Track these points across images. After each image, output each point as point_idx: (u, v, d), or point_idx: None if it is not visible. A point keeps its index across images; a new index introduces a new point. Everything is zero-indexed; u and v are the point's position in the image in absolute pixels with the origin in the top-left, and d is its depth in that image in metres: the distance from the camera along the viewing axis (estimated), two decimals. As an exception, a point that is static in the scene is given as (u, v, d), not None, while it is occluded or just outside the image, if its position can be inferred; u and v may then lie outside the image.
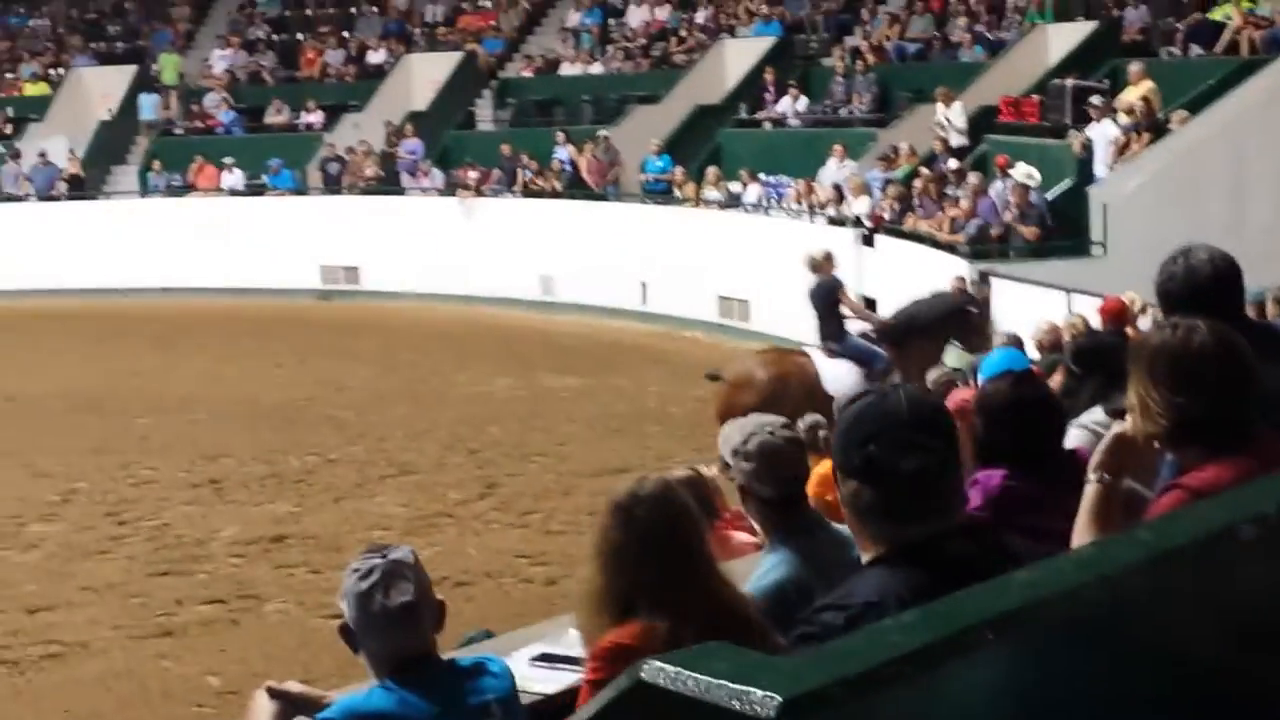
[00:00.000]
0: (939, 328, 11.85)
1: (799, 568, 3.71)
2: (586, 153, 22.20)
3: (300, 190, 24.16)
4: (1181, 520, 2.33)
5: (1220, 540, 2.03)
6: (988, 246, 16.00)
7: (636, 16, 25.59)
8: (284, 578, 10.21)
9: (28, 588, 10.08)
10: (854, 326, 12.27)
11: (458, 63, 25.70)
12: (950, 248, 16.12)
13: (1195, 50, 18.32)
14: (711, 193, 20.60)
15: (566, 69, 25.14)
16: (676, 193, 21.07)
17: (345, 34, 27.38)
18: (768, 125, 22.01)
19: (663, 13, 25.33)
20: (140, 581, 10.14)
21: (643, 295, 20.32)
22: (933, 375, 9.41)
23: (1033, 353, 9.55)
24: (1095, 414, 4.67)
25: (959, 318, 12.08)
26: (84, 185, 24.89)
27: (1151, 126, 16.47)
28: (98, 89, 26.67)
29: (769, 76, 22.16)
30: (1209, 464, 2.98)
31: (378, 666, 3.25)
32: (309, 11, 28.49)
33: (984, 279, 14.64)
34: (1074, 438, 4.39)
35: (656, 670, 1.67)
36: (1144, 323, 9.54)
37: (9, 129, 25.95)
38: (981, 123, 19.01)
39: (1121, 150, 16.42)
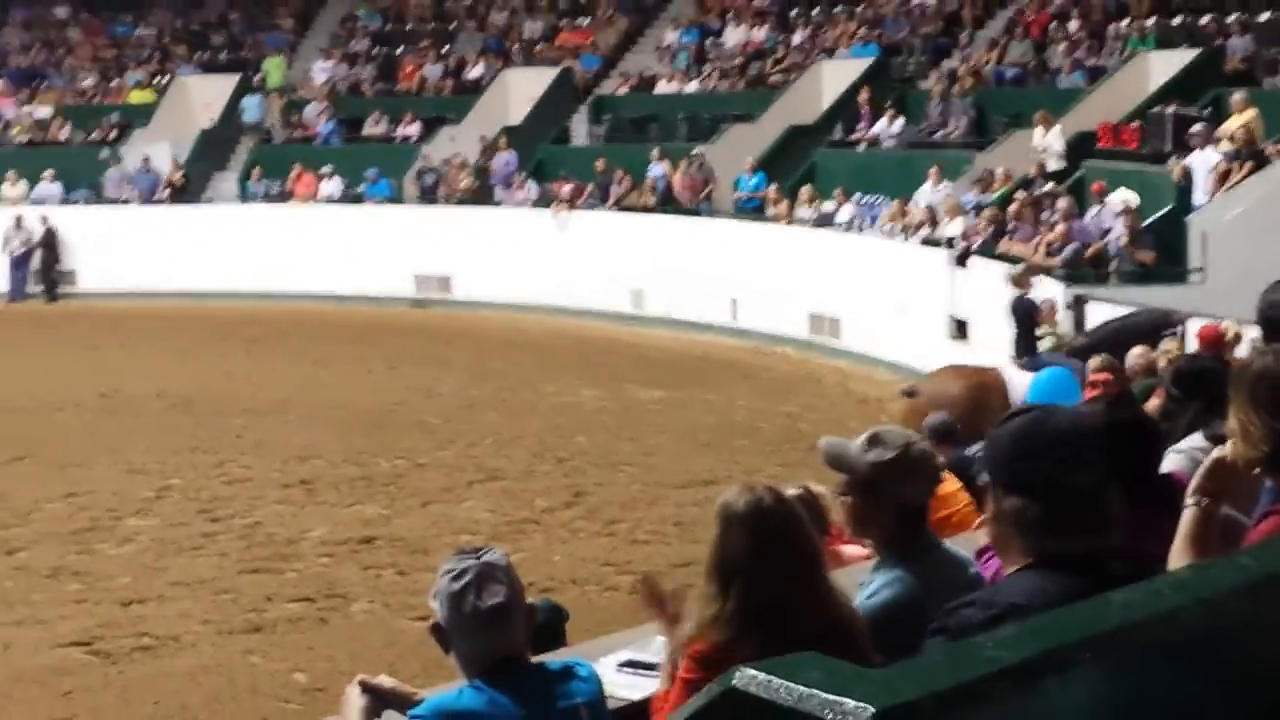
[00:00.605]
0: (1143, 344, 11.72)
1: (913, 588, 3.63)
2: (680, 170, 22.24)
3: (396, 200, 24.44)
4: (1282, 547, 2.31)
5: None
6: (1083, 271, 15.85)
7: (733, 37, 25.60)
8: (371, 579, 10.30)
9: (121, 581, 10.25)
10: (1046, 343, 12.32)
11: (554, 78, 25.88)
12: (1045, 271, 15.96)
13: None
14: (805, 211, 20.55)
15: (662, 87, 25.21)
16: (769, 210, 21.05)
17: (445, 48, 27.67)
18: (863, 146, 21.94)
19: (760, 33, 25.32)
20: (231, 578, 10.28)
21: (733, 311, 20.31)
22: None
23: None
24: (1195, 439, 4.59)
25: (1161, 336, 11.92)
26: (186, 192, 25.35)
27: (1252, 155, 16.22)
28: (200, 97, 27.16)
29: (865, 98, 22.09)
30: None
31: (468, 667, 3.27)
32: (409, 26, 28.83)
33: (1079, 303, 14.49)
34: (1172, 462, 4.33)
35: (749, 678, 1.67)
36: (1240, 351, 9.38)
37: (115, 134, 26.49)
38: (1080, 148, 18.86)
39: (1222, 179, 16.19)
